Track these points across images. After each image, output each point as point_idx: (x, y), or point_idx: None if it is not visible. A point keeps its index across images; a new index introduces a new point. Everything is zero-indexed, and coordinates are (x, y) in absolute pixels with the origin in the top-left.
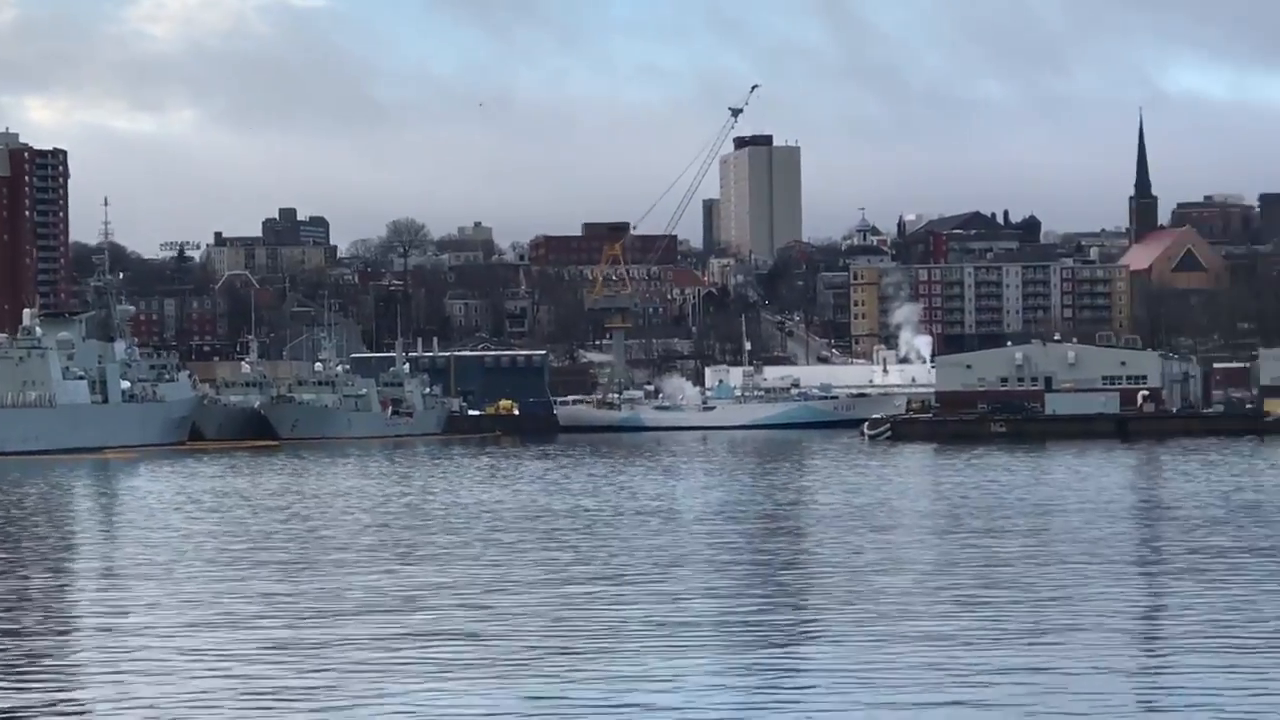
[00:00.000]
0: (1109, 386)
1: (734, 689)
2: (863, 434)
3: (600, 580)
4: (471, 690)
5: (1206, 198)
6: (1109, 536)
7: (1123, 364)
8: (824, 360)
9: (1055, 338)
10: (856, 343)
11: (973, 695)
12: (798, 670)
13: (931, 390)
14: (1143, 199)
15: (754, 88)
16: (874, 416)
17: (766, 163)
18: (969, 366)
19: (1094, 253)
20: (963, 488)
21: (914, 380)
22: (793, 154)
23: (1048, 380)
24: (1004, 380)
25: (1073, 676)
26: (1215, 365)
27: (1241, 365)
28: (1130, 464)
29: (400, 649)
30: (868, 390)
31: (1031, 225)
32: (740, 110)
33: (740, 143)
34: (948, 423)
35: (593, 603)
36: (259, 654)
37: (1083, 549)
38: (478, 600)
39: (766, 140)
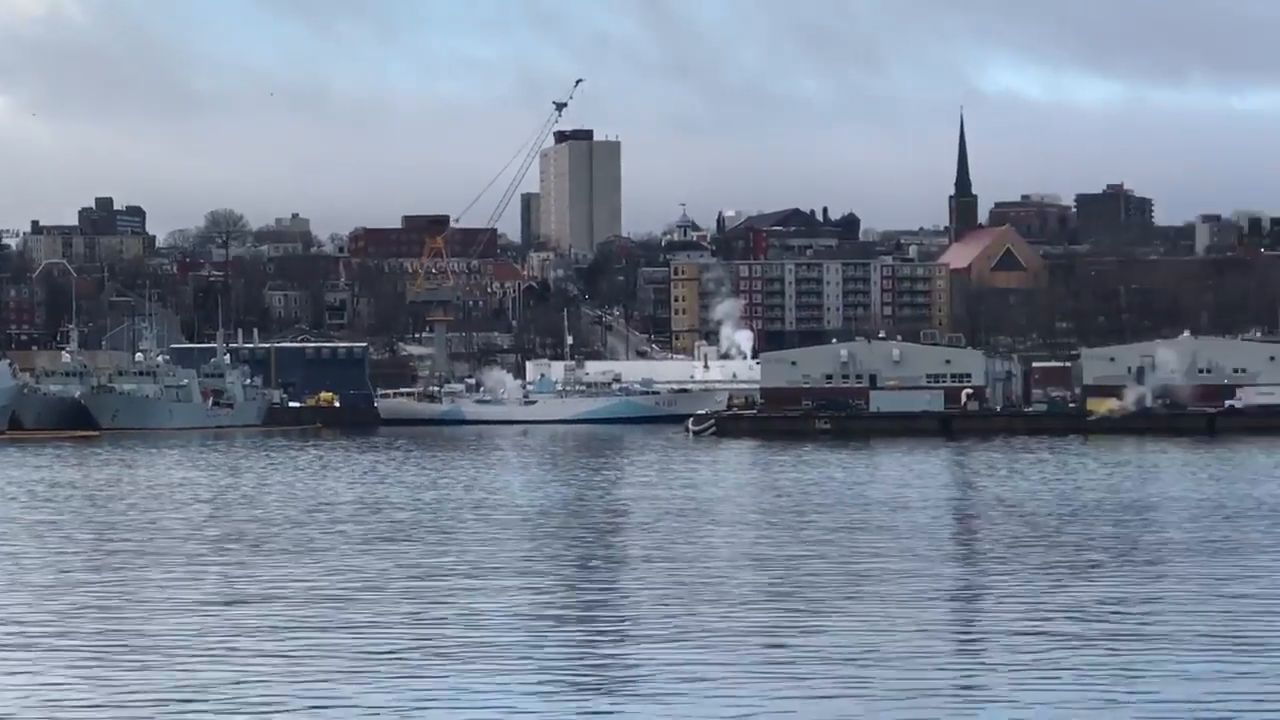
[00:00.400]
0: (933, 384)
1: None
2: (688, 430)
3: (436, 578)
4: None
5: (1024, 197)
6: (927, 530)
7: (947, 362)
8: (643, 355)
9: (880, 335)
10: (677, 338)
11: (798, 690)
12: (626, 665)
13: (752, 386)
14: (963, 198)
15: (578, 82)
16: (699, 412)
17: (587, 157)
18: (794, 363)
19: (913, 251)
20: (789, 484)
21: (735, 376)
22: (613, 149)
23: (872, 378)
24: (829, 377)
25: (892, 667)
26: (1034, 364)
27: (1061, 365)
28: (958, 461)
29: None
30: (689, 386)
31: (851, 223)
32: (565, 105)
33: (560, 137)
34: (773, 419)
35: (429, 607)
36: (105, 648)
37: (901, 542)
38: (326, 595)
39: (587, 135)
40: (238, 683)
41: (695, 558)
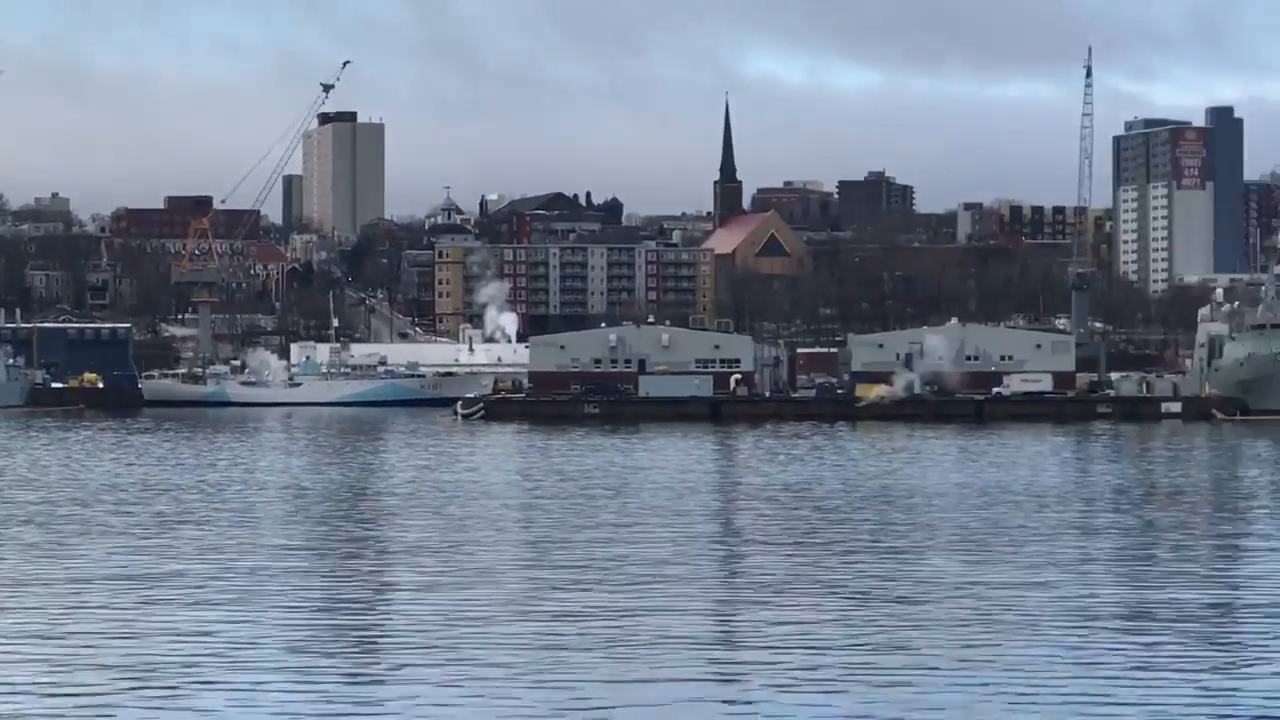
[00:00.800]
0: (702, 370)
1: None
2: (456, 413)
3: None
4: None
5: (787, 183)
6: (717, 514)
7: (716, 347)
8: (405, 337)
9: (649, 320)
10: (441, 321)
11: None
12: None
13: (519, 370)
14: (727, 183)
15: (345, 64)
16: (467, 396)
17: (350, 139)
18: (563, 347)
19: (677, 236)
20: (573, 469)
21: (500, 360)
22: (376, 131)
23: (641, 363)
24: (598, 362)
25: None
26: (800, 350)
27: (827, 351)
28: (736, 446)
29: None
30: (455, 369)
31: (614, 207)
32: (332, 86)
33: (324, 119)
34: (542, 404)
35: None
36: None
37: (688, 528)
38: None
39: (350, 117)
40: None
41: (465, 544)
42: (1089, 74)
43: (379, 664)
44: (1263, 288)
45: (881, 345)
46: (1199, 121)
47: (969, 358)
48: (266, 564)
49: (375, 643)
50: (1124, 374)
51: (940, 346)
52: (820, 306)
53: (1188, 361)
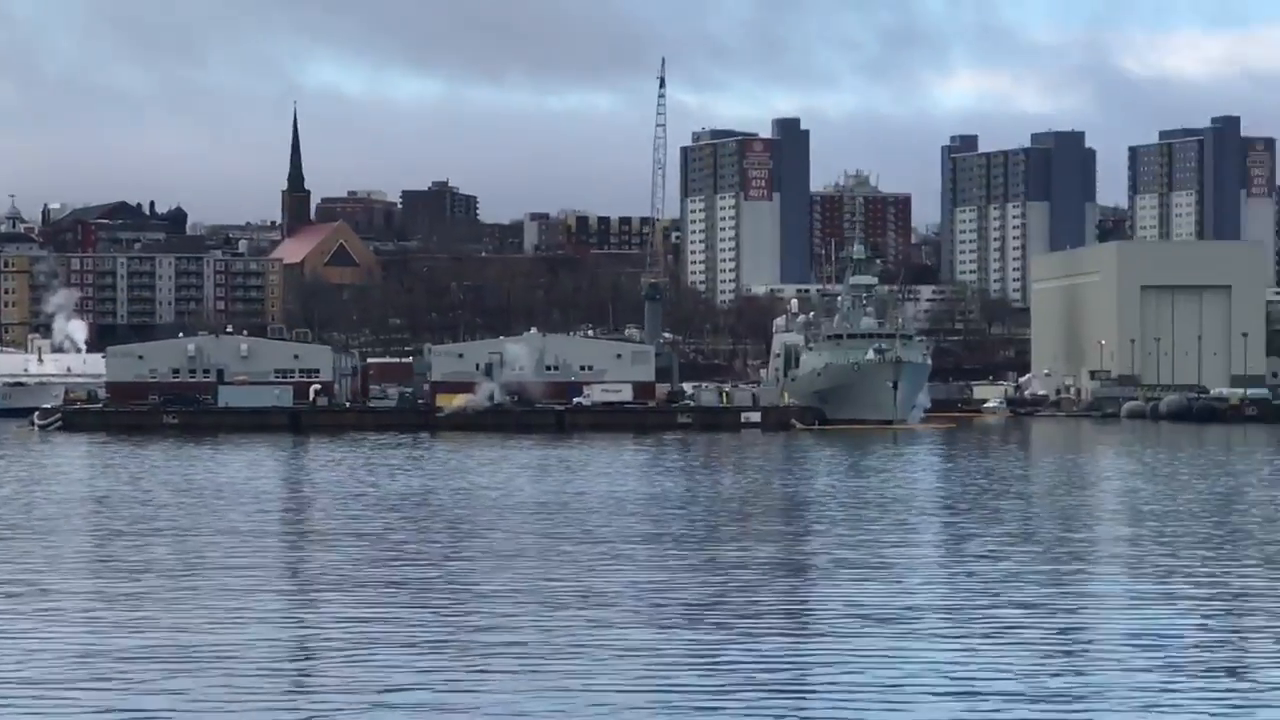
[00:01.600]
0: (282, 380)
1: None
2: (33, 424)
3: None
4: None
5: (351, 193)
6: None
7: (296, 357)
8: None
9: (228, 330)
10: (7, 331)
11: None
12: None
13: (93, 380)
14: (295, 193)
15: None
16: (44, 406)
17: None
18: (141, 357)
19: (244, 245)
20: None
21: (70, 370)
22: None
23: (220, 373)
24: (176, 372)
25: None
26: (370, 360)
27: (401, 360)
28: (340, 458)
29: None
30: (24, 380)
31: (179, 217)
32: None
33: None
34: (121, 414)
35: None
36: None
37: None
38: None
39: None
40: None
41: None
42: (662, 85)
43: None
44: (839, 298)
45: (462, 355)
46: (766, 133)
47: (549, 367)
48: None
49: None
50: (700, 384)
51: (521, 356)
52: (390, 316)
53: (763, 372)
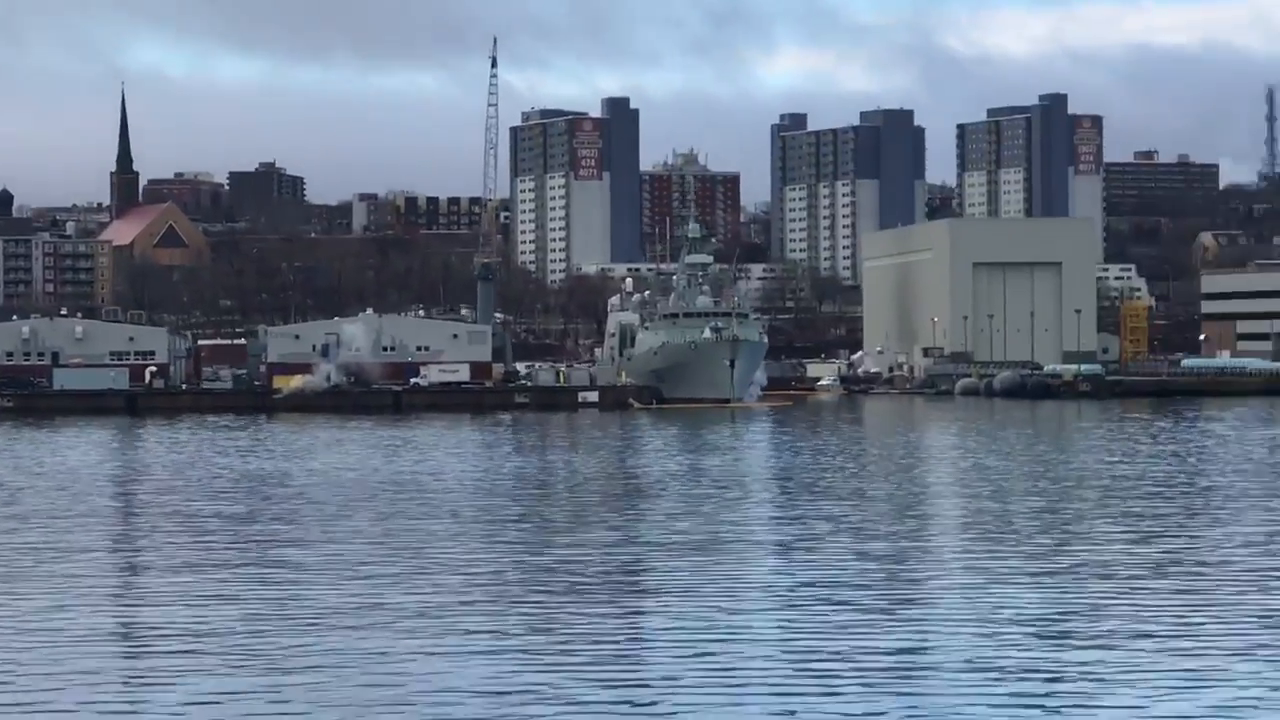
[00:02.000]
0: (118, 362)
1: None
2: None
3: None
4: None
5: (178, 174)
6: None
7: (131, 340)
8: None
9: (61, 312)
10: None
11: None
12: None
13: None
14: (124, 175)
15: None
16: None
17: None
18: None
19: (71, 227)
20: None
21: None
22: None
23: (55, 355)
24: (10, 355)
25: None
26: (202, 342)
27: (234, 342)
28: (203, 438)
29: None
30: None
31: (4, 199)
32: None
33: None
34: None
35: None
36: None
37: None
38: None
39: None
40: None
41: None
42: (494, 64)
43: None
44: (674, 277)
45: (298, 336)
46: (596, 113)
47: (386, 348)
48: None
49: None
50: (535, 364)
51: (358, 337)
52: (221, 298)
53: (597, 351)
